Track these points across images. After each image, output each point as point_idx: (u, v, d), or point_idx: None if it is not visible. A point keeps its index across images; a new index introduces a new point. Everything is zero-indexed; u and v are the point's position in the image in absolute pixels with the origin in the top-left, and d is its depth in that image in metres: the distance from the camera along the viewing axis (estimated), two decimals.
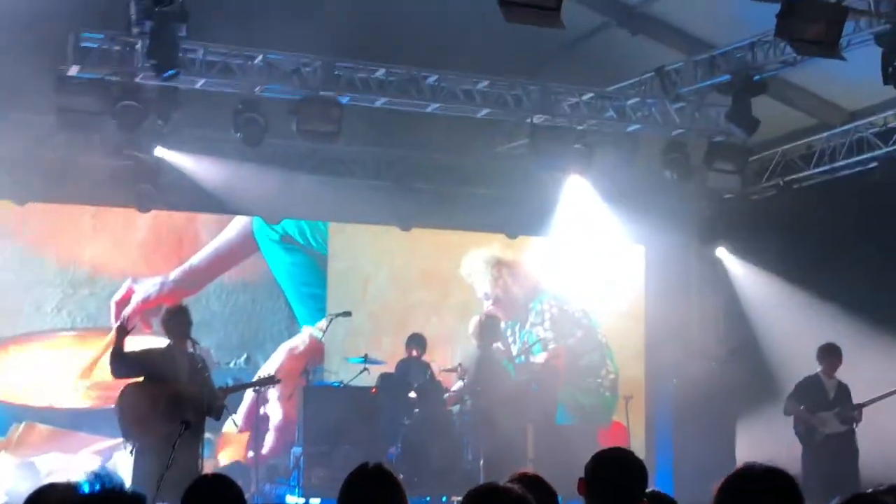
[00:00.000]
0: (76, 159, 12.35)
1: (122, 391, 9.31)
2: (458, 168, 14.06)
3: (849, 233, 12.55)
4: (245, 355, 13.36)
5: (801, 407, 10.95)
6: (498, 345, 12.49)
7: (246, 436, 12.45)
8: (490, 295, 14.54)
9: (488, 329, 12.08)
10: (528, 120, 11.98)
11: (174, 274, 13.29)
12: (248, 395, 11.92)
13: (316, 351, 13.62)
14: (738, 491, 3.18)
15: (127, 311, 12.72)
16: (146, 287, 13.06)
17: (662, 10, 11.71)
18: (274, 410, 13.04)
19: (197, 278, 13.40)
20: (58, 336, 12.84)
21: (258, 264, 13.77)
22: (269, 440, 12.90)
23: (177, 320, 9.22)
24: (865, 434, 11.02)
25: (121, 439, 9.21)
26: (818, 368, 11.04)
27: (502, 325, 13.08)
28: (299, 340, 13.70)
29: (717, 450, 12.40)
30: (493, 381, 11.77)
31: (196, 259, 13.44)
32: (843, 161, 12.95)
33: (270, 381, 9.92)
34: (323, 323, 13.45)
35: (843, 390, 11.00)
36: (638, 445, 14.07)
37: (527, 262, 14.74)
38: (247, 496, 10.41)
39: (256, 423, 11.70)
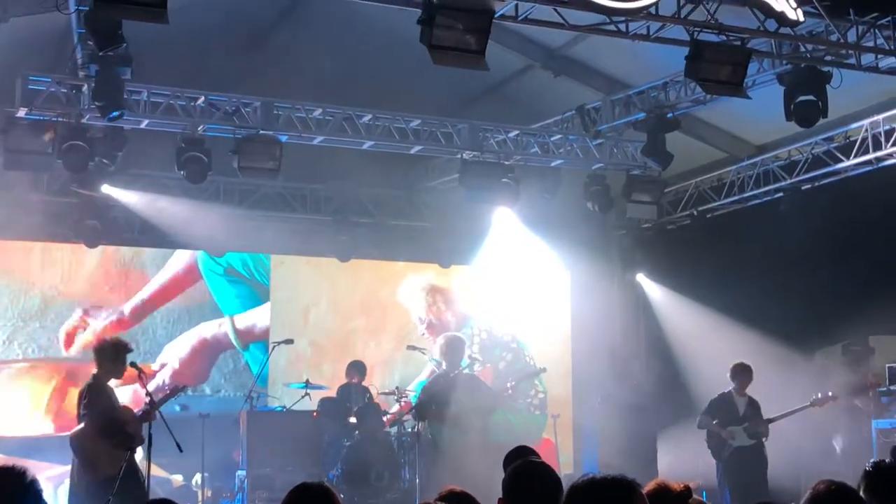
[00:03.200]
0: (25, 197, 12.18)
1: (74, 435, 9.16)
2: (393, 202, 14.08)
3: (757, 258, 12.74)
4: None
5: (714, 421, 11.07)
6: (433, 367, 12.37)
7: None
8: (424, 320, 14.55)
9: (455, 349, 11.21)
10: (459, 156, 12.03)
11: (127, 307, 13.17)
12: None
13: (223, 343, 13.65)
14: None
15: (82, 341, 12.64)
16: (100, 319, 12.93)
17: (582, 52, 11.84)
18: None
19: (145, 310, 13.31)
20: (9, 367, 12.62)
21: (202, 295, 13.67)
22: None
23: (108, 354, 9.01)
24: (775, 446, 11.17)
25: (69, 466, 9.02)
26: (731, 386, 11.17)
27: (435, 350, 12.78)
28: (215, 328, 13.67)
29: (640, 463, 12.43)
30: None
31: (145, 293, 13.34)
32: (752, 191, 13.19)
33: (178, 390, 9.63)
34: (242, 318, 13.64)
35: (753, 406, 11.12)
36: (566, 460, 14.16)
37: (458, 289, 14.79)
38: None
39: (203, 447, 11.55)
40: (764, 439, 10.97)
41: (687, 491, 3.73)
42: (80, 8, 8.79)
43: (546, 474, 4.00)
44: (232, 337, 13.69)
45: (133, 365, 8.97)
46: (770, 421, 11.01)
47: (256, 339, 13.75)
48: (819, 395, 11.26)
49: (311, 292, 14.19)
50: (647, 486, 3.70)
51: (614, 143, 12.50)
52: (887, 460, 4.31)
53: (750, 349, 12.02)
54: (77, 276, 13.02)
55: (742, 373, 11.07)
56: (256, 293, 13.93)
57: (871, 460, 4.37)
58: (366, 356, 13.40)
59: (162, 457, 10.04)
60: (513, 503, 3.96)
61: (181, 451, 8.95)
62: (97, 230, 12.31)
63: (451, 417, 10.61)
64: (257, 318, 13.88)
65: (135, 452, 8.63)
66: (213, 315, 13.68)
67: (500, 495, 4.06)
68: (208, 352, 13.58)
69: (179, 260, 13.59)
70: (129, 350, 9.07)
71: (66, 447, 9.14)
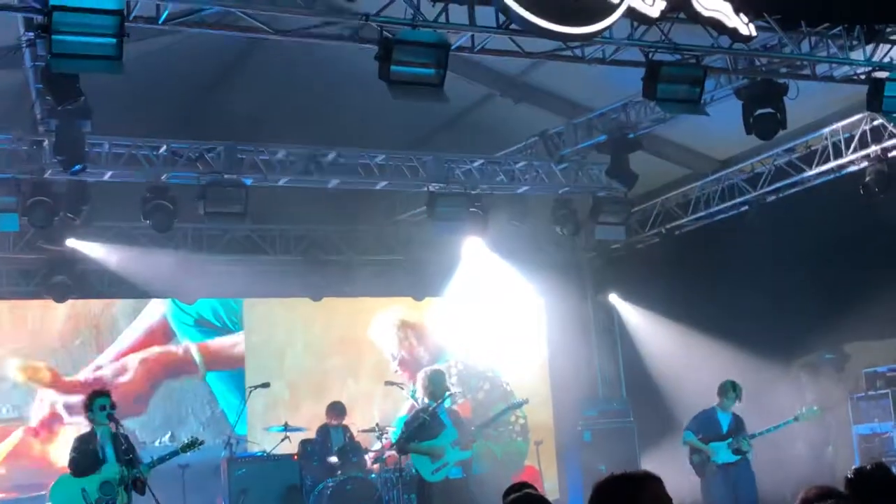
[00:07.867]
0: None
1: (54, 485, 9.06)
2: (362, 238, 14.07)
3: (728, 272, 12.80)
4: (169, 433, 13.10)
5: (699, 436, 11.03)
6: (412, 402, 12.23)
7: None
8: (396, 356, 14.46)
9: (436, 382, 10.81)
10: (425, 188, 12.05)
11: (102, 360, 13.03)
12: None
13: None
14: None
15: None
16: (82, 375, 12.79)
17: (541, 78, 11.90)
18: None
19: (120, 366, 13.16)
20: None
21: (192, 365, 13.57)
22: None
23: (84, 406, 8.99)
24: (761, 455, 11.15)
25: None
26: (715, 402, 11.12)
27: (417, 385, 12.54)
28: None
29: None
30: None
31: (119, 346, 13.22)
32: (718, 206, 13.29)
33: (195, 444, 9.58)
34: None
35: (737, 422, 11.08)
36: (551, 486, 14.10)
37: (432, 322, 14.73)
38: None
39: (184, 498, 11.41)
40: (749, 455, 10.93)
41: None
42: (36, 64, 8.75)
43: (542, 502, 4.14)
44: (197, 359, 13.43)
45: (112, 417, 8.87)
46: (753, 437, 10.98)
47: (220, 368, 13.57)
48: (803, 410, 11.22)
49: (285, 334, 14.12)
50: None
51: (578, 166, 12.57)
52: (868, 466, 4.32)
53: (726, 363, 12.05)
54: (47, 332, 12.89)
55: (730, 390, 11.02)
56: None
57: (853, 467, 4.38)
58: (344, 394, 13.30)
59: None
60: None
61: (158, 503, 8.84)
62: (65, 285, 12.25)
63: (433, 451, 10.54)
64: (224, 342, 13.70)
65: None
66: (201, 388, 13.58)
67: None
68: (161, 375, 13.38)
69: (150, 313, 13.48)
70: (98, 396, 8.98)
71: None
